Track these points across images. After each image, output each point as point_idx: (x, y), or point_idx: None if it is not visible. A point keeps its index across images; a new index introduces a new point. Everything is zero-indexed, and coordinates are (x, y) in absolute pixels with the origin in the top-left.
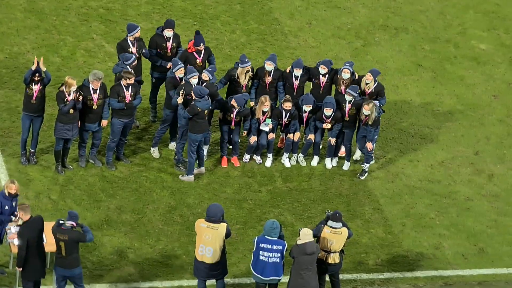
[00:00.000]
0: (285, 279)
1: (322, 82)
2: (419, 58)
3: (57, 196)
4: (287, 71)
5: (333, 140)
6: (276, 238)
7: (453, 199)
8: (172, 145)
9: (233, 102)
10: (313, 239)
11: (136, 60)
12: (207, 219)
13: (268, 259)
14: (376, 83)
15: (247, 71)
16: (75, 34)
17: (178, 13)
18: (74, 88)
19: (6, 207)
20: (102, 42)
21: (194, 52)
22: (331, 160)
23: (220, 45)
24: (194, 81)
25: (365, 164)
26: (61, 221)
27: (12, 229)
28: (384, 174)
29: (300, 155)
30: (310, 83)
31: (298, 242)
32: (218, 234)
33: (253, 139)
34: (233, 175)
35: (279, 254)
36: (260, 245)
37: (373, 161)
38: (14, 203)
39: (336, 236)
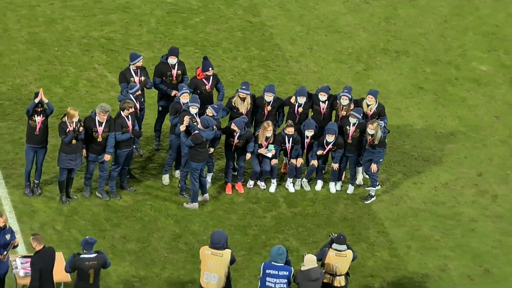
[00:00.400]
0: None
1: (323, 109)
2: (421, 81)
3: (61, 227)
4: (292, 101)
5: (335, 166)
6: (282, 264)
7: (457, 220)
8: (177, 173)
9: (233, 126)
10: (317, 265)
11: (140, 90)
12: (211, 246)
13: (275, 285)
14: (377, 103)
15: (243, 99)
16: (77, 65)
17: (179, 41)
18: (76, 119)
19: None
20: (104, 72)
21: (203, 79)
22: (335, 184)
23: (222, 72)
24: (193, 110)
25: (371, 188)
26: (84, 253)
27: (18, 260)
28: (388, 197)
29: (304, 180)
30: (310, 110)
31: (302, 268)
32: (223, 261)
33: (255, 166)
34: (238, 201)
35: (285, 280)
36: (267, 271)
37: (379, 186)
38: (6, 236)
39: (341, 259)
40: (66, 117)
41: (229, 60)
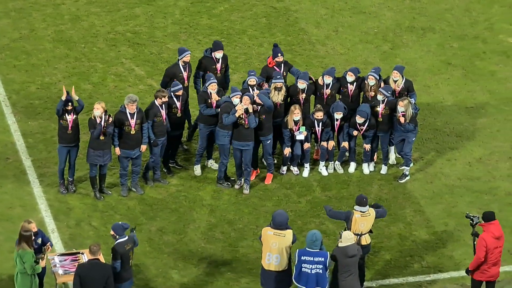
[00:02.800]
0: None
1: (350, 91)
2: (448, 57)
3: (98, 223)
4: (319, 82)
5: (367, 147)
6: (317, 250)
7: (494, 195)
8: (210, 163)
9: (257, 99)
10: (354, 242)
11: (182, 89)
12: (273, 227)
13: (311, 271)
14: (404, 79)
15: (279, 88)
16: (104, 60)
17: (204, 31)
18: (98, 112)
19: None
20: (132, 65)
21: (274, 66)
22: (368, 165)
23: (249, 60)
24: (236, 100)
25: (405, 167)
26: (123, 238)
27: (56, 259)
28: (423, 175)
29: (337, 162)
30: (338, 96)
31: (340, 244)
32: (285, 241)
33: (287, 150)
34: (272, 187)
35: (321, 266)
36: (302, 257)
37: (412, 164)
38: (38, 240)
39: (366, 219)
40: (93, 112)
41: (255, 47)
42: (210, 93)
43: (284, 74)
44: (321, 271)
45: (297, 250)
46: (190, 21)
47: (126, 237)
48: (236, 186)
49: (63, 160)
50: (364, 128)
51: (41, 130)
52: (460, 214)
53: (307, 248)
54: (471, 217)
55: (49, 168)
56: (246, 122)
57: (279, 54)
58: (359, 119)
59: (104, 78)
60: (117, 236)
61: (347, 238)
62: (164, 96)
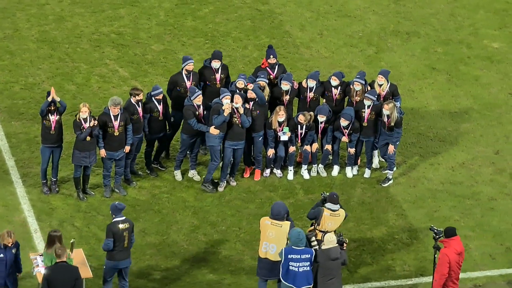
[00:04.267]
0: None
1: (335, 95)
2: (433, 61)
3: (80, 223)
4: (303, 84)
5: (352, 150)
6: (303, 247)
7: (476, 199)
8: (192, 173)
9: (249, 93)
10: (337, 245)
11: (162, 93)
12: (272, 217)
13: (298, 269)
14: (389, 83)
15: (262, 88)
16: (88, 61)
17: (189, 33)
18: (83, 115)
19: (1, 255)
20: (116, 66)
21: (267, 67)
22: (352, 168)
23: (233, 62)
24: (226, 101)
25: (389, 171)
26: (119, 217)
27: (39, 259)
28: (406, 179)
29: (320, 165)
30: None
31: (323, 247)
32: (282, 232)
33: (270, 152)
34: (255, 190)
35: (308, 263)
36: (289, 256)
37: (395, 168)
38: (13, 250)
39: (334, 218)
40: (79, 114)
41: (240, 50)
42: (198, 106)
43: (278, 76)
44: (308, 268)
45: (283, 248)
46: (175, 22)
47: (123, 218)
48: (220, 189)
49: (45, 160)
50: (347, 131)
51: (24, 130)
52: (442, 218)
53: (293, 247)
54: (435, 231)
55: (32, 168)
56: (239, 121)
57: (272, 56)
58: (343, 122)
59: (88, 79)
60: (113, 216)
61: (329, 241)
62: (138, 94)
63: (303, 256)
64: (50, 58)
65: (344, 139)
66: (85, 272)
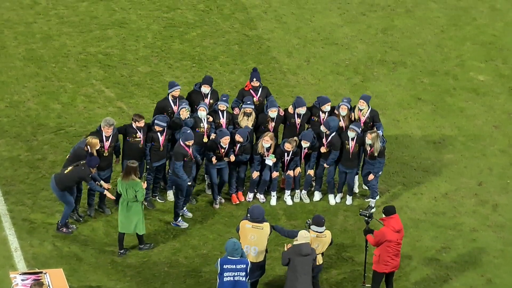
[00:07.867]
0: None
1: (322, 119)
2: (419, 91)
3: (61, 243)
4: (289, 110)
5: (311, 172)
6: (239, 257)
7: (458, 230)
8: (168, 194)
9: (237, 137)
10: (309, 242)
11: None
12: (251, 220)
13: (233, 278)
14: (370, 108)
15: (248, 114)
16: (74, 80)
17: (176, 56)
18: (98, 147)
19: None
20: (102, 87)
21: (250, 90)
22: (334, 196)
23: (220, 86)
24: (202, 113)
25: (371, 199)
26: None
27: (18, 278)
28: None
29: (303, 191)
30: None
31: (295, 242)
32: (264, 233)
33: (255, 174)
34: (237, 214)
35: (243, 273)
36: (224, 266)
37: (378, 196)
38: None
39: (321, 240)
40: (88, 147)
41: (227, 74)
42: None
43: (261, 99)
44: (243, 278)
45: (218, 259)
46: (162, 45)
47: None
48: (216, 206)
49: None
50: (306, 150)
51: (7, 148)
52: (424, 248)
53: (228, 257)
54: (365, 213)
55: (14, 186)
56: (224, 156)
57: (255, 79)
58: (304, 143)
59: (74, 99)
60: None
61: (303, 237)
62: (138, 121)
63: (238, 266)
64: (36, 76)
65: (323, 149)
66: None
